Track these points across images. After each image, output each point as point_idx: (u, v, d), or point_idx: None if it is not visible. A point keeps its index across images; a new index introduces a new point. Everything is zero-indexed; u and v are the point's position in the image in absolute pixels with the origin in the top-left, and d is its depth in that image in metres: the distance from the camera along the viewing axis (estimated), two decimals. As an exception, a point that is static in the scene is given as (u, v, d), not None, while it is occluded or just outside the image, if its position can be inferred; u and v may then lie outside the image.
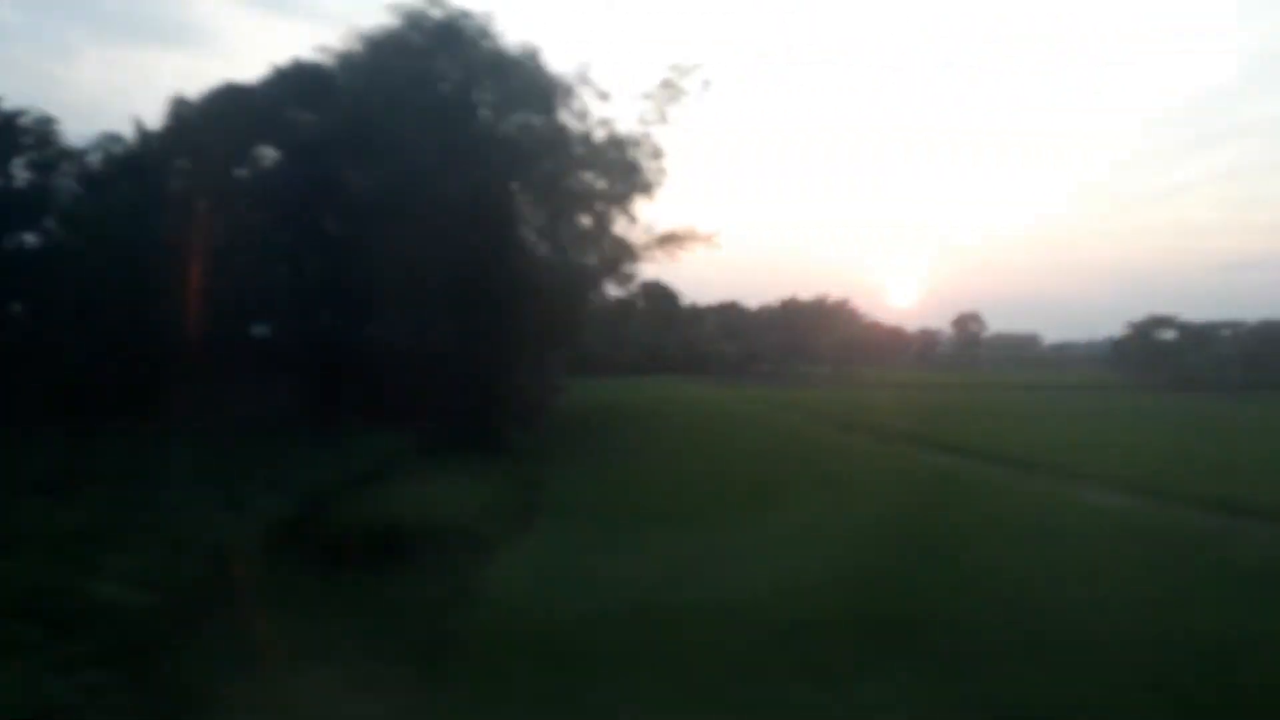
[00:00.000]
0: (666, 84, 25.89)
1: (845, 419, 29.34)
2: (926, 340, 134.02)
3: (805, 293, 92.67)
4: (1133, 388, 53.70)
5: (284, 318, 22.07)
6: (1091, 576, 9.06)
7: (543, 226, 25.91)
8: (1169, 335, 68.75)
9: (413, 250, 20.32)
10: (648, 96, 25.95)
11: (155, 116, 24.24)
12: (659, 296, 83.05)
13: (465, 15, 23.00)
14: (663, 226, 30.53)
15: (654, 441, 23.12)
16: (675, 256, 31.95)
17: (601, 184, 28.72)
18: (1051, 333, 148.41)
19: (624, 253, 31.11)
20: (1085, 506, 13.49)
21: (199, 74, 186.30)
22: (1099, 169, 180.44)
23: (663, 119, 26.49)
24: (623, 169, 28.35)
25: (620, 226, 29.71)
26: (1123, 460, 17.95)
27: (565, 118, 26.26)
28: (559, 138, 25.68)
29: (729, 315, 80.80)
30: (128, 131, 24.18)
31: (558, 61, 25.41)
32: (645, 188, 28.81)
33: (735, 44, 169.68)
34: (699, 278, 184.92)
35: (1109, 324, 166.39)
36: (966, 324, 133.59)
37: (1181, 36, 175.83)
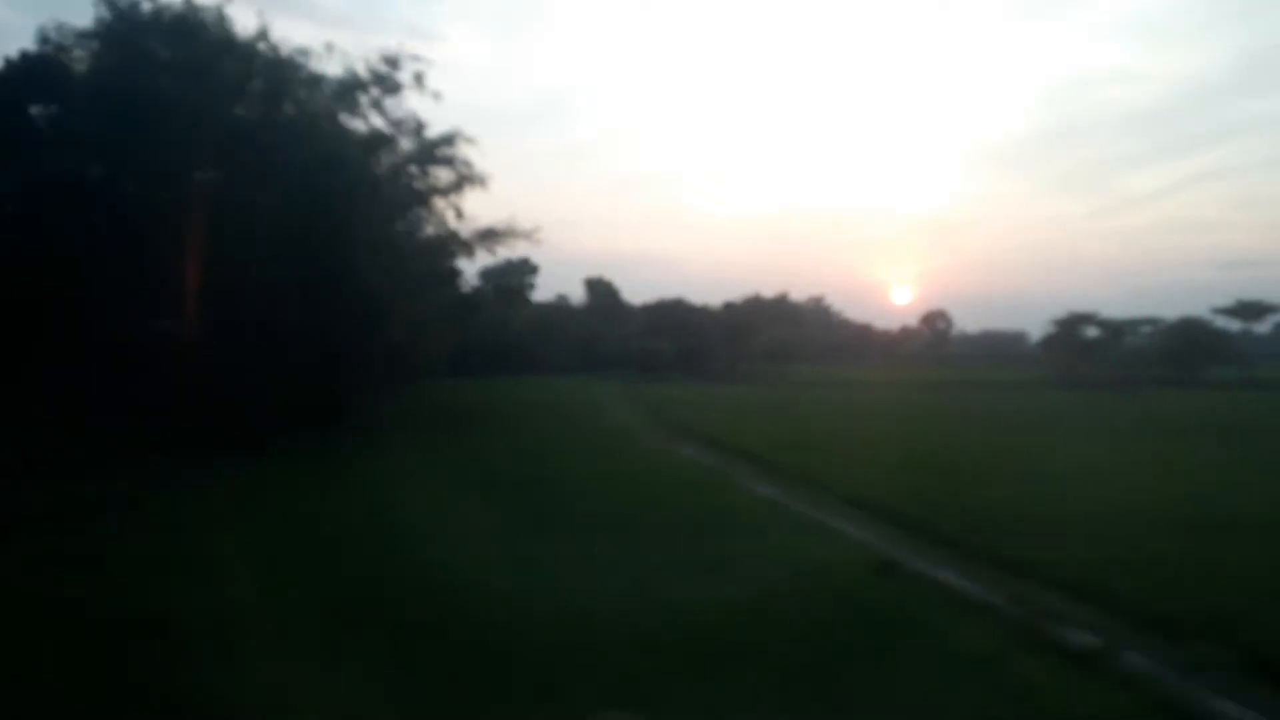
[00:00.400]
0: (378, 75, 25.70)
1: (679, 416, 29.25)
2: (900, 338, 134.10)
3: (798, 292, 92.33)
4: (1038, 384, 53.54)
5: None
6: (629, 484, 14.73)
7: (365, 223, 25.85)
8: (1092, 332, 68.57)
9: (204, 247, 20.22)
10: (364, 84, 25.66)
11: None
12: (601, 293, 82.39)
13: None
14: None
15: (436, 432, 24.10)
16: (495, 252, 32.21)
17: (420, 181, 28.75)
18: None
19: (453, 246, 31.11)
20: (699, 467, 17.49)
21: None
22: (1099, 165, 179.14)
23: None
24: (440, 163, 28.35)
25: (438, 222, 29.86)
26: (827, 453, 18.33)
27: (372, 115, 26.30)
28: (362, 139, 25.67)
29: (673, 312, 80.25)
30: None
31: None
32: (469, 183, 28.84)
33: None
34: (706, 278, 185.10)
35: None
36: (934, 321, 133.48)
37: (1178, 31, 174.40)
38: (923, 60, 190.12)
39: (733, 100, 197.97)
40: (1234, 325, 64.67)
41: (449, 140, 28.05)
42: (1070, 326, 67.86)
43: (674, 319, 74.24)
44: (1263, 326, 67.87)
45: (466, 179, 28.72)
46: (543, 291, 79.58)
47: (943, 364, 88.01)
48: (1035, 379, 57.33)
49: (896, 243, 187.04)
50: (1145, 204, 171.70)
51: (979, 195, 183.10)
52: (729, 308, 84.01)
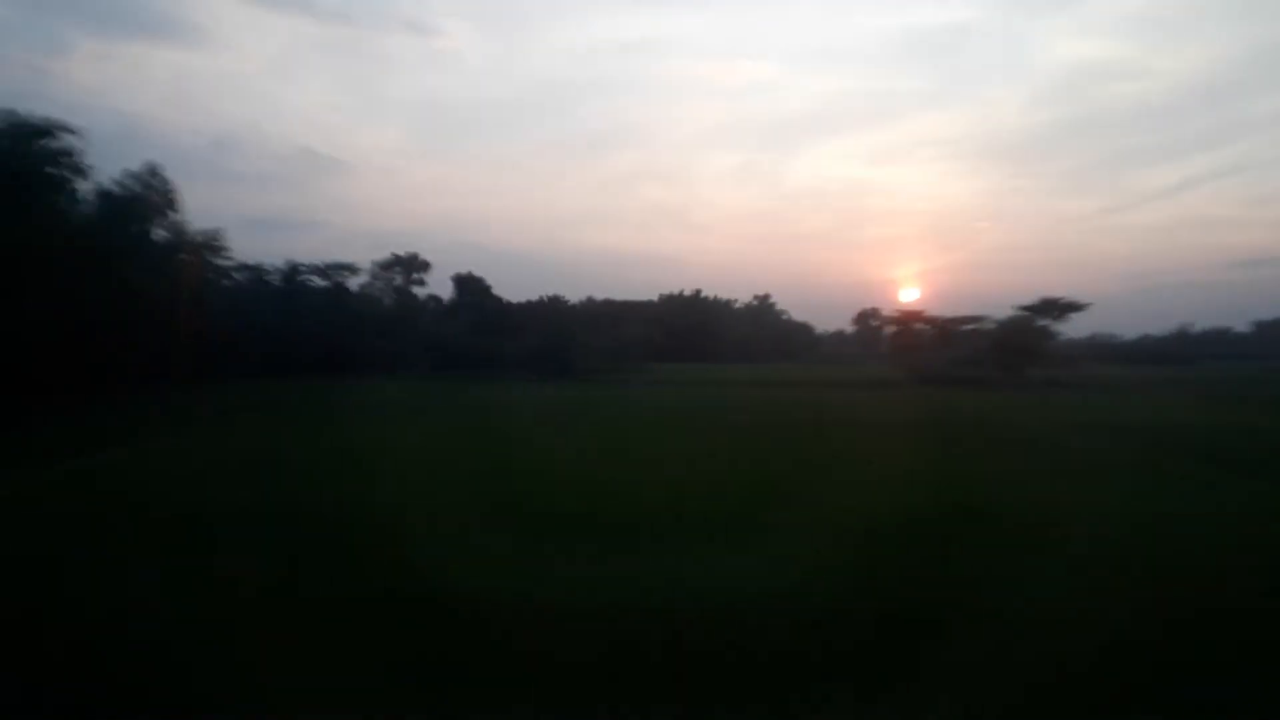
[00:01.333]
0: None
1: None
2: (834, 339, 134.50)
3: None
4: (861, 384, 51.22)
5: None
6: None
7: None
8: (922, 328, 69.75)
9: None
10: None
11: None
12: (472, 291, 79.14)
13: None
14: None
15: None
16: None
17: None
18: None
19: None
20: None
21: (193, 69, 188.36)
22: (1110, 162, 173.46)
23: None
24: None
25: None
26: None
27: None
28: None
29: (548, 311, 79.26)
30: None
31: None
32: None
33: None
34: (713, 276, 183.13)
35: (1120, 323, 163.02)
36: (866, 320, 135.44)
37: (1191, 26, 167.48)
38: (930, 55, 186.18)
39: (732, 99, 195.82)
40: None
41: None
42: (905, 324, 69.38)
43: (540, 315, 74.27)
44: (1068, 326, 66.50)
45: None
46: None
47: (853, 363, 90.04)
48: (878, 378, 57.26)
49: (905, 240, 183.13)
50: (1157, 201, 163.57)
51: (989, 191, 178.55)
52: (606, 304, 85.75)
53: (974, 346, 62.05)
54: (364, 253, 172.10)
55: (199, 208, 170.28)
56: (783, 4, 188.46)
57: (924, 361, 61.62)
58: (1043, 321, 61.03)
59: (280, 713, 5.22)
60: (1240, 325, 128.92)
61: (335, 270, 65.60)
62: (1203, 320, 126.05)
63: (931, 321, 70.01)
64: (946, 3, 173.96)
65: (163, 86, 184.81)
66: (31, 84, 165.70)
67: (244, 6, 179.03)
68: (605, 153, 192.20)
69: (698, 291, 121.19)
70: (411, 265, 77.27)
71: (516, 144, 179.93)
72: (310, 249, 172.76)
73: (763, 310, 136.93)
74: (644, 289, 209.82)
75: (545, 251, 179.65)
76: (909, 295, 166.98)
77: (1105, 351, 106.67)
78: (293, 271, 63.43)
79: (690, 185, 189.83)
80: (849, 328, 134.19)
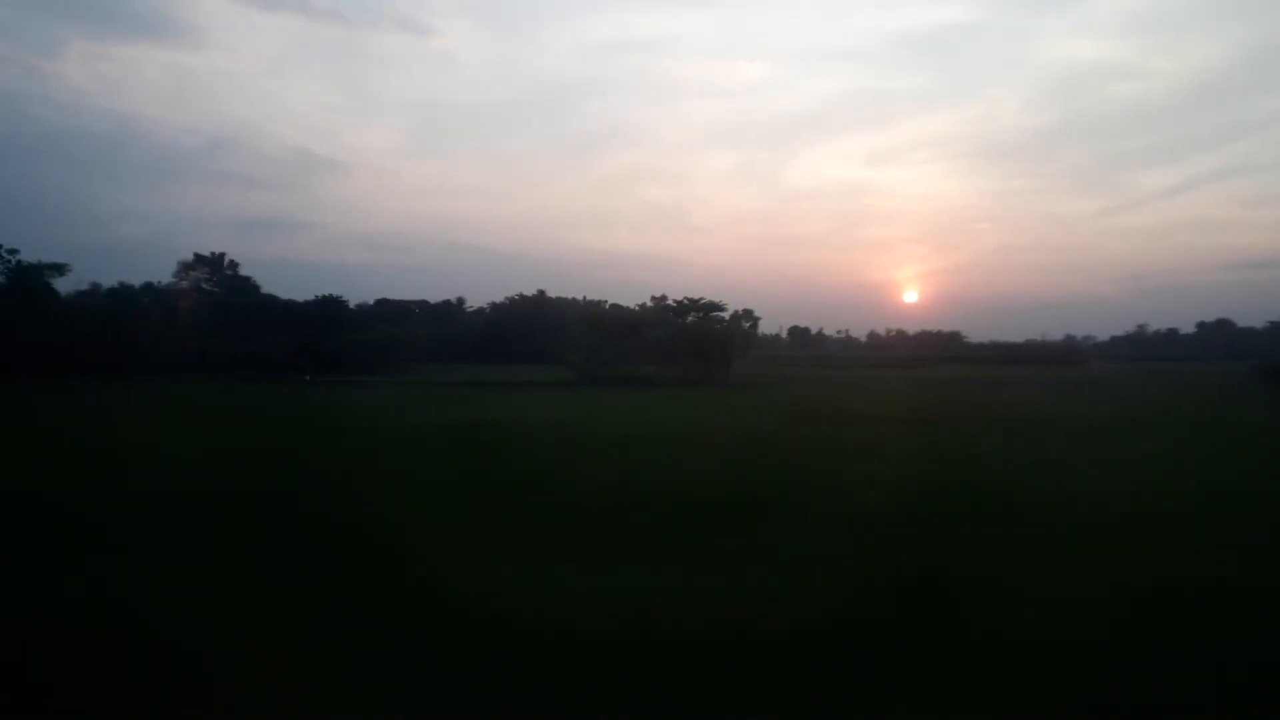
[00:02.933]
0: None
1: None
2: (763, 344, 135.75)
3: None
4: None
5: None
6: None
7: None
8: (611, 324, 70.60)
9: None
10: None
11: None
12: (239, 289, 77.63)
13: None
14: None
15: None
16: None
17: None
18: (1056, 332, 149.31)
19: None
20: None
21: (187, 69, 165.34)
22: (1109, 163, 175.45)
23: None
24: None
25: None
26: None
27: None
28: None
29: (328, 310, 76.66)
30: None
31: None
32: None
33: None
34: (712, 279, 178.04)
35: (1125, 323, 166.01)
36: (735, 323, 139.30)
37: (1190, 27, 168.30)
38: (929, 55, 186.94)
39: (730, 99, 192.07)
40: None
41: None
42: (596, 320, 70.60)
43: (314, 314, 73.35)
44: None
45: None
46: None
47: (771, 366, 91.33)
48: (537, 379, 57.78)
49: (903, 241, 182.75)
50: (1156, 203, 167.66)
51: (988, 191, 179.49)
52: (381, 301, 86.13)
53: (647, 345, 62.39)
54: (361, 254, 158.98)
55: (193, 209, 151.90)
56: (781, 5, 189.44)
57: (595, 360, 61.65)
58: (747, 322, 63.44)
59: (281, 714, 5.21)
60: (1187, 327, 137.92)
61: (37, 272, 62.02)
62: (1199, 320, 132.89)
63: (622, 317, 71.71)
64: (946, 3, 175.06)
65: (157, 87, 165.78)
66: (26, 84, 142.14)
67: (238, 6, 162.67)
68: (602, 153, 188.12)
69: (541, 291, 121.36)
70: (217, 265, 77.60)
71: (513, 144, 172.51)
72: (306, 250, 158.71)
73: (588, 306, 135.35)
74: (642, 290, 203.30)
75: (543, 252, 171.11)
76: (909, 297, 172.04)
77: (1002, 352, 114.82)
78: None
79: (689, 186, 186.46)
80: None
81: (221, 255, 78.88)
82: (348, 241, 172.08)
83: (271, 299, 76.51)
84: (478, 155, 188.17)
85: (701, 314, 64.95)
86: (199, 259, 78.11)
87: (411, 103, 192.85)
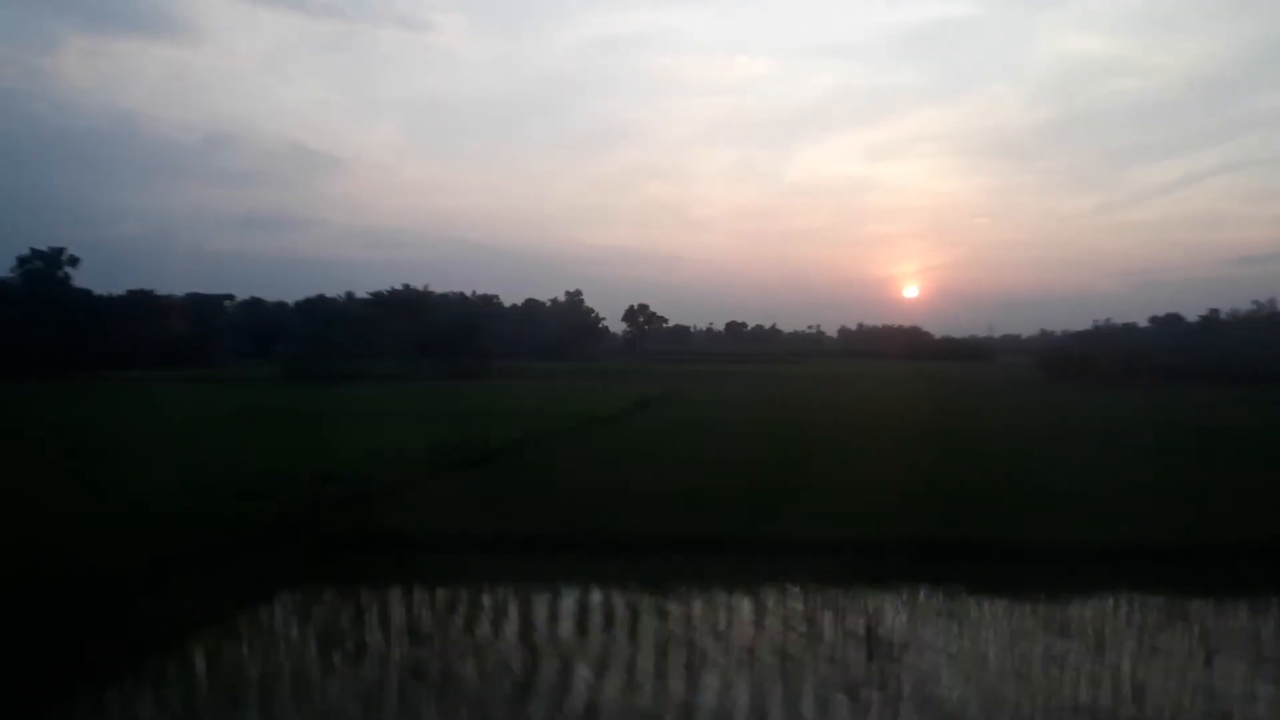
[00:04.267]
0: None
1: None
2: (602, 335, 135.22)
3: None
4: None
5: None
6: None
7: None
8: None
9: None
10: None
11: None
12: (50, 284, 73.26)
13: None
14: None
15: None
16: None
17: None
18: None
19: None
20: None
21: (185, 65, 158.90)
22: (1109, 158, 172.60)
23: None
24: None
25: None
26: None
27: None
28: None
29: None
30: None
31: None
32: None
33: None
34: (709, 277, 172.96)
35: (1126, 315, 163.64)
36: (635, 317, 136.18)
37: (1189, 22, 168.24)
38: (929, 51, 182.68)
39: (730, 95, 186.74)
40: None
41: None
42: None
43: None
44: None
45: None
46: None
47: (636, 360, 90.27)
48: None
49: (905, 238, 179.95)
50: (1156, 198, 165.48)
51: (988, 187, 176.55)
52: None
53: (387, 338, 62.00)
54: (360, 250, 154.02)
55: (191, 206, 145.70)
56: (781, 0, 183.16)
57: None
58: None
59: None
60: (1142, 321, 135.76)
61: None
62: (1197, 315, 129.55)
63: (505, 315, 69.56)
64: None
65: (155, 83, 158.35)
66: (24, 81, 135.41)
67: (237, 3, 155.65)
68: (602, 149, 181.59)
69: (462, 293, 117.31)
70: (55, 261, 73.29)
71: (512, 140, 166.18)
72: (304, 247, 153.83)
73: (530, 308, 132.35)
74: (642, 290, 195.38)
75: (543, 250, 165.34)
76: (910, 292, 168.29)
77: (919, 350, 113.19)
78: None
79: (688, 181, 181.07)
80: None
81: (60, 249, 74.66)
82: (352, 238, 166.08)
83: (85, 294, 73.32)
84: (479, 150, 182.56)
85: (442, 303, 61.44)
86: (35, 253, 73.56)
87: (411, 98, 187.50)
